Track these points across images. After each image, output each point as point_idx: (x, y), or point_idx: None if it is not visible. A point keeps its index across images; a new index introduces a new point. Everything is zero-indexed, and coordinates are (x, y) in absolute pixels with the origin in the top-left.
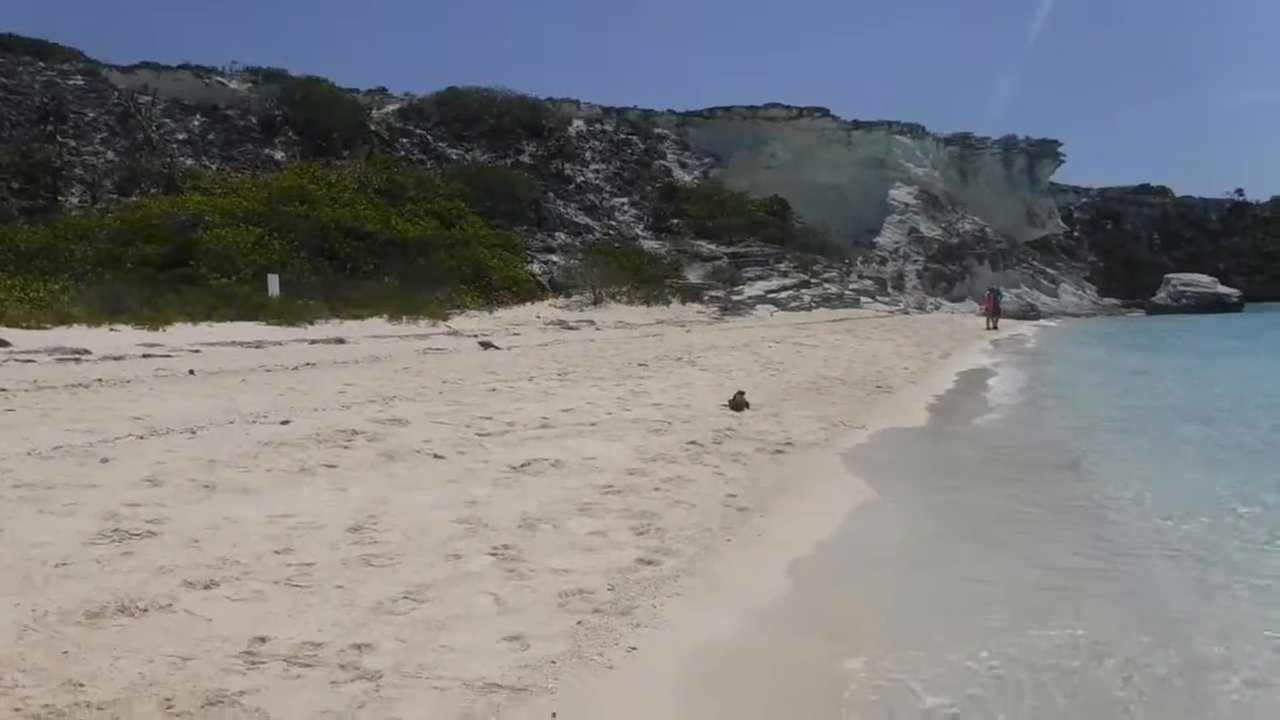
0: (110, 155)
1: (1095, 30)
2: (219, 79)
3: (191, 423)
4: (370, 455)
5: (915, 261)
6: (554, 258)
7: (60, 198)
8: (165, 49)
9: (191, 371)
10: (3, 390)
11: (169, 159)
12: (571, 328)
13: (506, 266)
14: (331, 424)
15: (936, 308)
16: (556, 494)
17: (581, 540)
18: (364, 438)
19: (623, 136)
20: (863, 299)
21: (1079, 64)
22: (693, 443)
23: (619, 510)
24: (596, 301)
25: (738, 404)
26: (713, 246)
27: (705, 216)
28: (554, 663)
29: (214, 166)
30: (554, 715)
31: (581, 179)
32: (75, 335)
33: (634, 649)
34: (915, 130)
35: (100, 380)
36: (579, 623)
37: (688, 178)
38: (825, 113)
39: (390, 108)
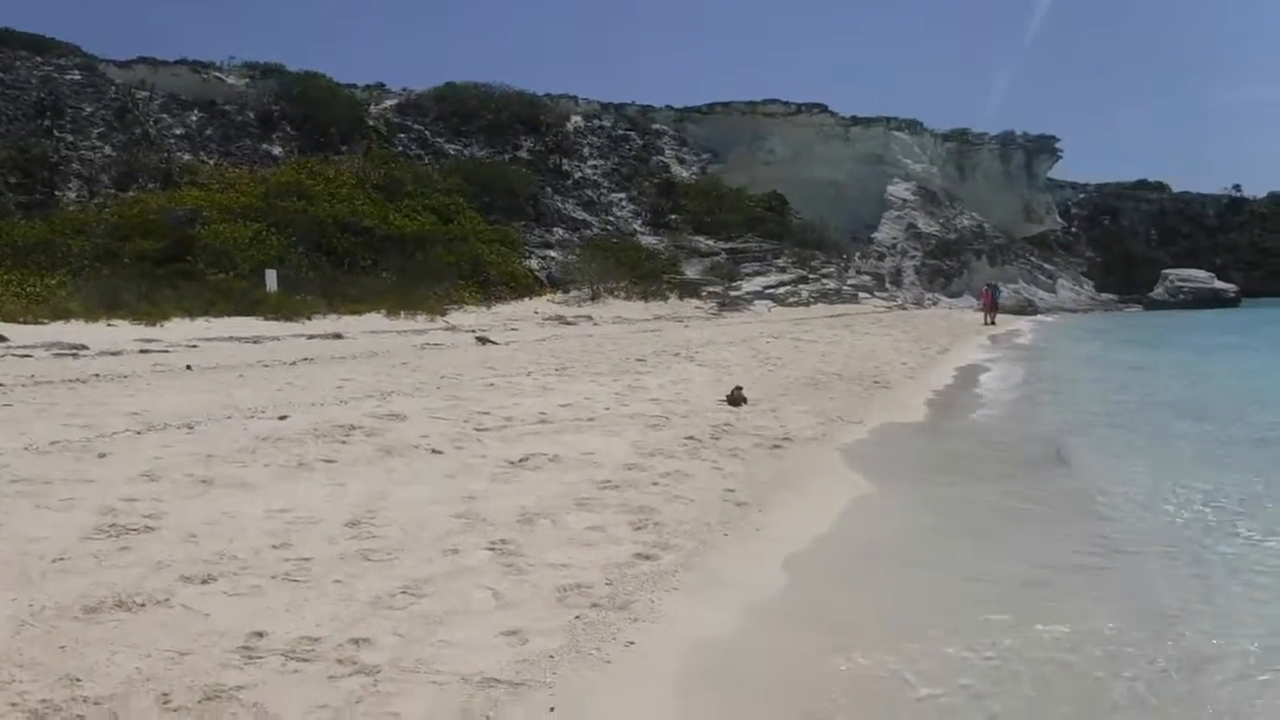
0: (107, 150)
1: (1093, 27)
2: (217, 74)
3: (189, 418)
4: (368, 450)
5: (913, 257)
6: (552, 253)
7: (57, 193)
8: (162, 44)
9: (189, 367)
10: (0, 385)
11: (166, 154)
12: (569, 323)
13: (504, 262)
14: (329, 419)
15: (934, 303)
16: (554, 489)
17: (579, 535)
18: (362, 433)
19: (621, 132)
20: (861, 295)
21: (1077, 60)
22: (691, 438)
23: (617, 505)
24: (594, 297)
25: (736, 399)
26: (711, 242)
27: (703, 212)
28: (552, 657)
29: (211, 162)
30: (552, 710)
31: (579, 174)
32: (72, 330)
33: (632, 644)
34: (913, 126)
35: (97, 375)
36: (577, 617)
37: (686, 173)
38: (823, 109)
39: (388, 103)
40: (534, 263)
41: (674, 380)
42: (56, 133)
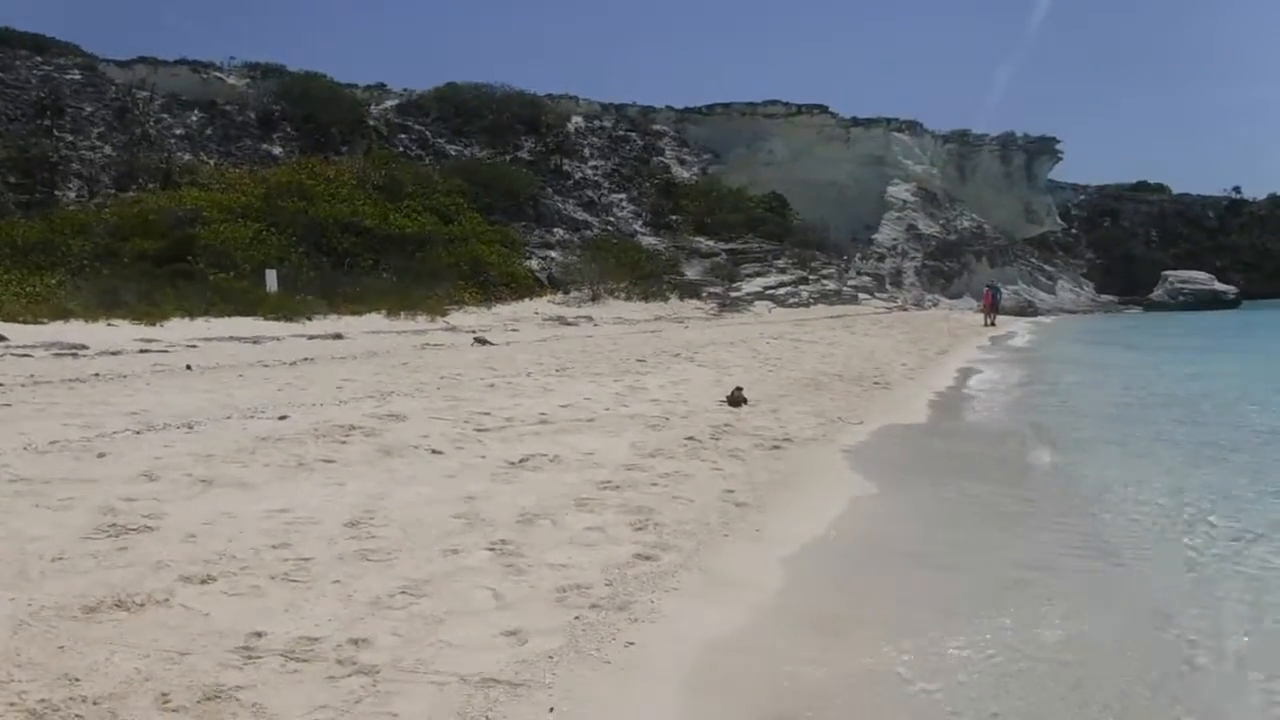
0: (108, 150)
1: (1094, 27)
2: (217, 74)
3: (189, 418)
4: (368, 450)
5: (913, 258)
6: (552, 254)
7: (57, 192)
8: (163, 44)
9: (189, 367)
10: (0, 384)
11: (166, 154)
12: (570, 324)
13: (505, 262)
14: (329, 419)
15: (935, 304)
16: (554, 489)
17: (579, 535)
18: (362, 433)
19: (621, 133)
20: (861, 296)
21: (1077, 61)
22: (691, 438)
23: (617, 506)
24: (595, 297)
25: (736, 400)
26: (711, 243)
27: (704, 213)
28: (552, 658)
29: (212, 162)
30: (551, 710)
31: (580, 175)
32: (72, 330)
33: (631, 644)
34: (914, 127)
35: (97, 375)
36: (577, 618)
37: (686, 174)
38: (824, 110)
39: (389, 103)
40: (534, 263)
41: (674, 381)
42: (56, 132)
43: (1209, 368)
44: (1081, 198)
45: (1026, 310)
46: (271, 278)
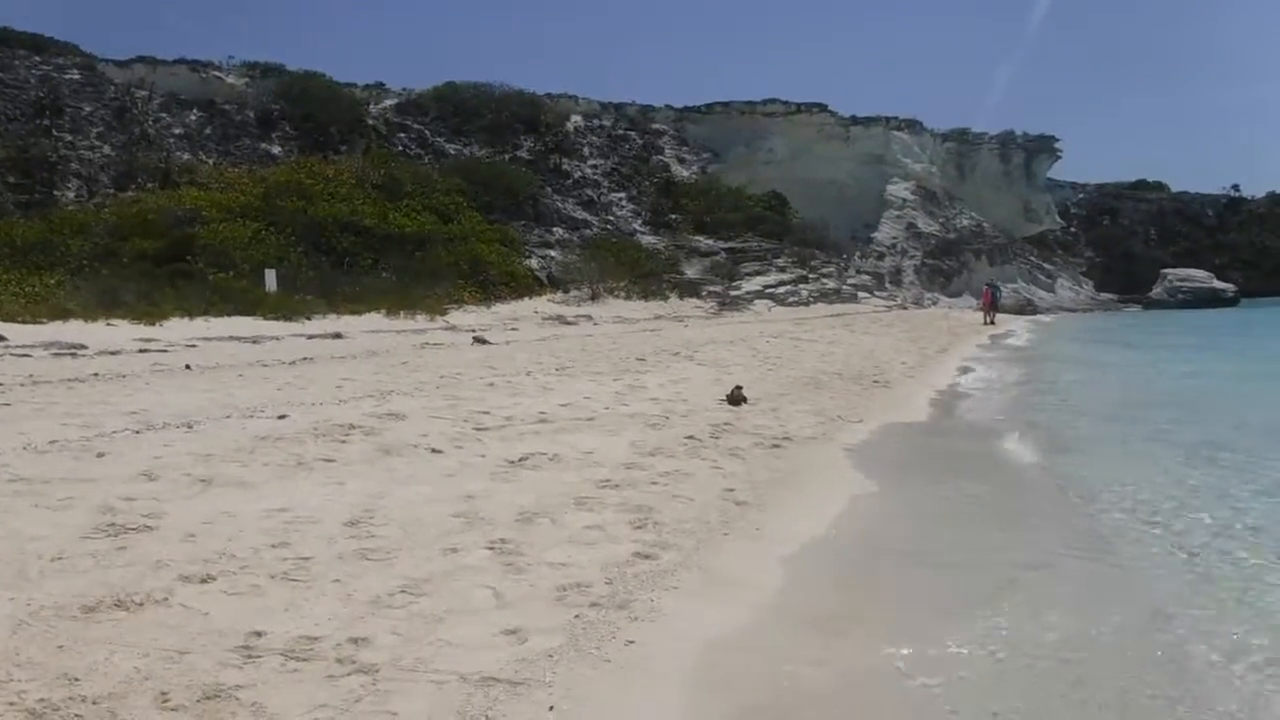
0: (107, 150)
1: (1094, 26)
2: (216, 73)
3: (188, 417)
4: (367, 450)
5: (913, 257)
6: (552, 253)
7: (56, 192)
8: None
9: (188, 366)
10: None
11: (166, 154)
12: (569, 323)
13: (504, 262)
14: (329, 418)
15: (934, 303)
16: (554, 488)
17: (579, 534)
18: (361, 432)
19: (621, 132)
20: (860, 294)
21: (1076, 61)
22: (690, 437)
23: (616, 504)
24: (594, 297)
25: (735, 399)
26: (711, 242)
27: (703, 212)
28: (551, 656)
29: (211, 161)
30: (551, 709)
31: (579, 174)
32: (71, 330)
33: (631, 642)
34: (913, 126)
35: (96, 375)
36: (576, 616)
37: (686, 173)
38: (823, 108)
39: (388, 102)
40: (534, 262)
41: (674, 380)
42: (55, 132)
43: (1207, 366)
44: (1081, 196)
45: (1026, 309)
46: (271, 277)
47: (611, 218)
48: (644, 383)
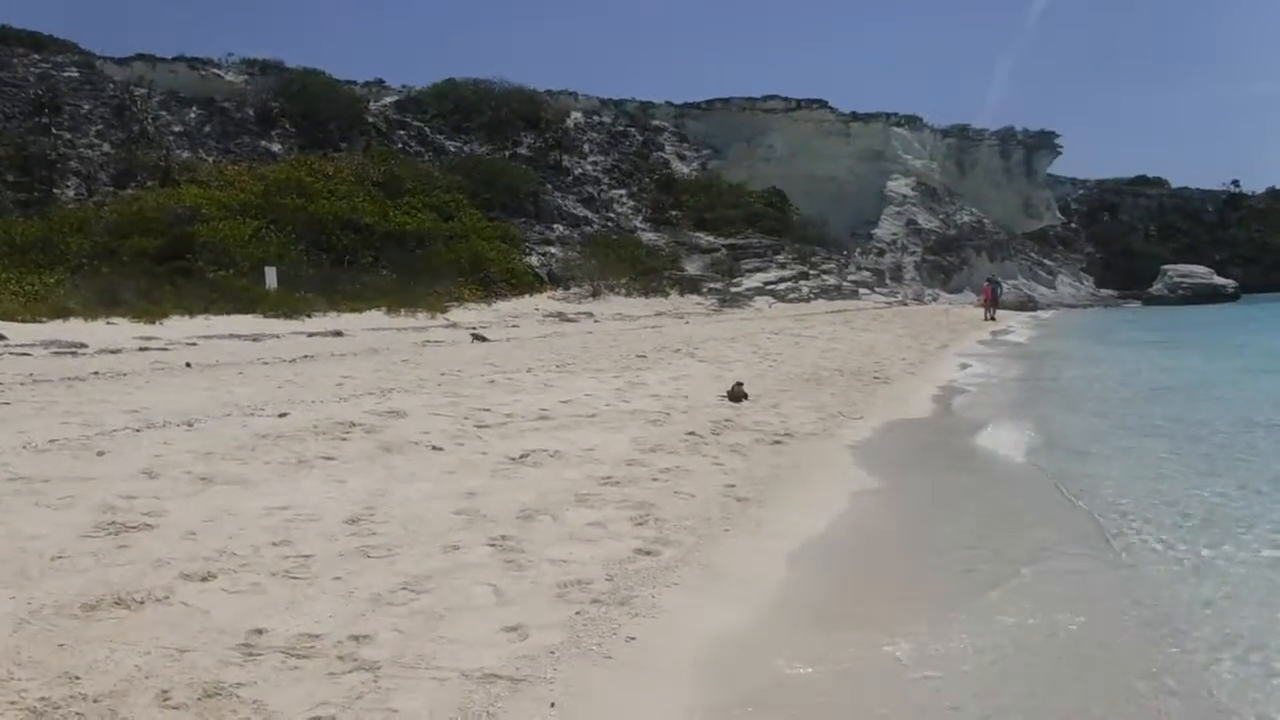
0: (106, 148)
1: (1093, 23)
2: (215, 71)
3: (188, 415)
4: (368, 447)
5: (913, 253)
6: (552, 250)
7: (55, 190)
8: (161, 41)
9: (188, 364)
10: None
11: (165, 151)
12: (570, 320)
13: (505, 259)
14: (329, 416)
15: (934, 299)
16: (555, 485)
17: (580, 531)
18: (362, 430)
19: (621, 128)
20: (861, 290)
21: (1076, 57)
22: (691, 434)
23: (617, 501)
24: (595, 293)
25: (736, 395)
26: (711, 238)
27: (703, 208)
28: (553, 653)
29: (210, 159)
30: (552, 705)
31: (579, 171)
32: (71, 328)
33: (632, 639)
34: (913, 122)
35: (96, 373)
36: (577, 613)
37: (686, 169)
38: (823, 104)
39: (388, 100)
40: (534, 259)
41: (674, 376)
42: (54, 130)
43: (1207, 362)
44: (1081, 192)
45: (1026, 305)
46: (271, 275)
47: (612, 214)
48: (645, 379)
